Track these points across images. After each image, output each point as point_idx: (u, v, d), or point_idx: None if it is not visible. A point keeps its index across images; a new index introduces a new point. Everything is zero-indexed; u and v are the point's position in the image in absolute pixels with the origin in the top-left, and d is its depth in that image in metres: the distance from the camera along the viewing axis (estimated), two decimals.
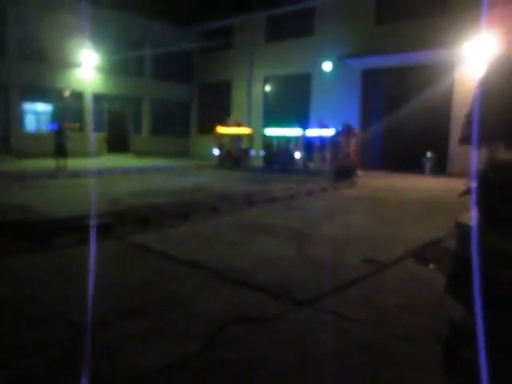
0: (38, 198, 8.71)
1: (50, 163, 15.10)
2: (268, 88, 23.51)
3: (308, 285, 4.12)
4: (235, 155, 19.29)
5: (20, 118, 20.14)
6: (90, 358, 2.60)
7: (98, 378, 2.48)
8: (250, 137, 20.16)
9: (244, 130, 19.97)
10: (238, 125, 19.92)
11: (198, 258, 4.84)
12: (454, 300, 3.43)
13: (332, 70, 20.19)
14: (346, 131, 15.49)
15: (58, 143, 14.91)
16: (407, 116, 17.40)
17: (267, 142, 19.17)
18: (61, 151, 14.79)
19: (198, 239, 5.84)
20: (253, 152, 19.76)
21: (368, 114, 19.25)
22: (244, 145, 20.16)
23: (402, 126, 17.86)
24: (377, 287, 4.12)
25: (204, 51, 26.08)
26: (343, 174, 14.18)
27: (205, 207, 7.84)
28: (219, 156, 19.35)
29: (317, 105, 20.78)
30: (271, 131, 19.37)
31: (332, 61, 20.03)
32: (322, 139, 17.10)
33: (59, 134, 15.13)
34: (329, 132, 16.66)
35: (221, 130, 19.65)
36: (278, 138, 18.78)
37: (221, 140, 19.61)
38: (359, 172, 14.90)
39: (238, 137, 19.93)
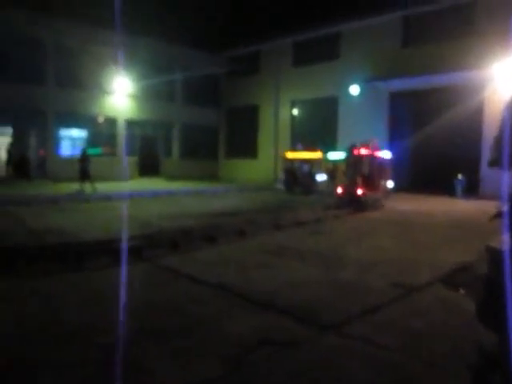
0: (72, 222, 9.00)
1: (82, 187, 15.60)
2: (295, 112, 23.73)
3: (334, 309, 4.09)
4: (302, 181, 17.85)
5: (56, 143, 20.98)
6: (117, 377, 2.66)
7: None
8: (318, 161, 18.11)
9: (314, 155, 18.01)
10: (309, 149, 18.09)
11: (225, 281, 4.89)
12: (485, 326, 3.35)
13: (359, 93, 20.24)
14: (351, 154, 12.98)
15: (82, 168, 15.39)
16: (436, 137, 17.18)
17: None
18: (84, 176, 15.22)
19: (225, 262, 5.90)
20: (321, 177, 17.80)
21: (396, 136, 19.11)
22: (311, 170, 18.21)
23: (431, 147, 17.64)
24: (404, 312, 4.05)
25: (231, 76, 26.68)
26: (348, 204, 11.97)
27: (232, 230, 7.91)
28: (286, 181, 18.27)
29: (344, 128, 20.80)
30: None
31: (359, 84, 20.11)
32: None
33: (83, 159, 15.65)
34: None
35: (290, 154, 18.72)
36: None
37: (289, 165, 18.53)
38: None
39: (307, 162, 18.26)
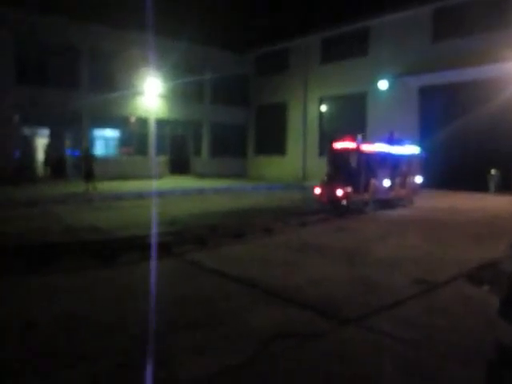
0: (105, 219, 9.37)
1: (116, 185, 16.11)
2: (323, 108, 23.65)
3: (356, 303, 4.18)
4: None
5: (91, 143, 21.71)
6: (147, 365, 2.86)
7: (155, 383, 2.72)
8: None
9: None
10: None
11: (250, 276, 5.04)
12: (507, 323, 3.38)
13: (388, 89, 20.00)
14: (331, 148, 11.20)
15: (86, 168, 15.48)
16: (468, 132, 16.80)
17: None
18: (88, 175, 15.23)
19: (250, 258, 6.06)
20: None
21: (426, 132, 18.78)
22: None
23: (463, 142, 17.25)
24: (426, 307, 4.09)
25: (260, 75, 26.83)
26: (332, 208, 10.47)
27: (258, 227, 8.07)
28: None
29: (373, 123, 20.59)
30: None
31: (388, 79, 19.86)
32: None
33: (86, 158, 15.84)
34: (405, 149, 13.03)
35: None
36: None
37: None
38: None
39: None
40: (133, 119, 22.76)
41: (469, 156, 17.10)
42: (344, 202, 10.35)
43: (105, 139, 22.71)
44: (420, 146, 14.00)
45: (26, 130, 20.65)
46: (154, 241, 6.14)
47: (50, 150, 20.88)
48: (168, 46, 21.64)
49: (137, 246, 6.24)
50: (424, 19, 18.66)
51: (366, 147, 11.00)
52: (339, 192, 10.16)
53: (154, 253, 5.72)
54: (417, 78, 18.58)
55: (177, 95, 23.77)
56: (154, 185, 18.04)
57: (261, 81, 26.77)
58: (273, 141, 26.18)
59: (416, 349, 3.24)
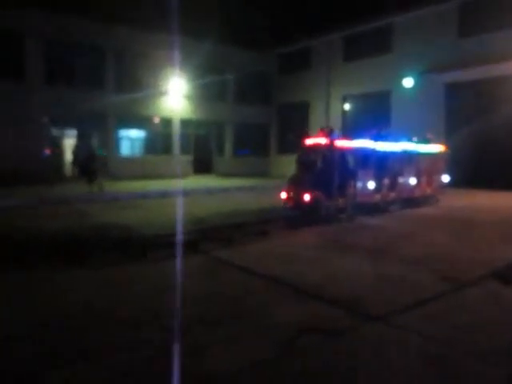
0: (133, 217, 9.57)
1: (141, 185, 16.40)
2: (346, 107, 23.51)
3: (381, 301, 4.19)
4: None
5: (116, 143, 22.17)
6: (177, 358, 2.96)
7: (183, 375, 2.82)
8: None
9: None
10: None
11: (275, 273, 5.11)
12: None
13: (413, 86, 19.73)
14: (300, 146, 10.18)
15: (88, 167, 14.93)
16: (496, 129, 16.43)
17: None
18: (91, 175, 14.74)
19: (275, 256, 6.13)
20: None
21: (453, 129, 18.46)
22: None
23: (492, 140, 16.87)
24: (453, 305, 4.08)
25: (282, 73, 26.85)
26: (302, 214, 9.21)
27: (282, 225, 8.13)
28: None
29: (397, 122, 20.35)
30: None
31: (413, 76, 19.60)
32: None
33: (89, 157, 15.21)
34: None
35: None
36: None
37: None
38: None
39: None
40: (157, 119, 23.12)
41: (497, 154, 16.72)
42: (315, 207, 8.92)
43: (130, 139, 23.13)
44: (446, 143, 13.67)
45: (55, 131, 21.18)
46: (180, 238, 6.28)
47: (77, 150, 21.36)
48: (192, 46, 21.88)
49: (164, 243, 6.39)
50: (450, 14, 18.33)
51: (343, 143, 9.62)
52: (306, 196, 8.77)
53: (181, 250, 5.86)
54: (443, 74, 18.28)
55: (200, 95, 24.01)
56: (179, 184, 18.30)
57: (283, 79, 26.79)
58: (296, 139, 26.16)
59: (444, 347, 3.24)
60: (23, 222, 8.86)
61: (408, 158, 11.30)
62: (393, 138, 11.21)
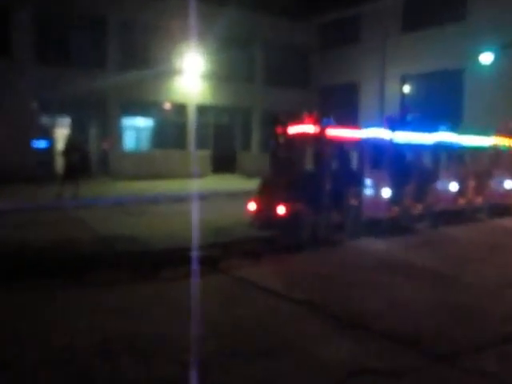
0: (141, 227, 9.82)
1: (149, 186, 16.70)
2: (406, 89, 23.31)
3: (448, 337, 4.23)
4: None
5: (119, 135, 22.56)
6: None
7: None
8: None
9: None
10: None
11: (314, 298, 5.21)
12: None
13: (493, 62, 19.39)
14: (274, 136, 9.18)
15: (67, 163, 14.62)
16: None
17: None
18: (70, 173, 14.35)
19: (314, 276, 6.22)
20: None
21: None
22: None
23: None
24: None
25: (324, 48, 26.80)
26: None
27: (320, 237, 8.19)
28: None
29: (473, 107, 20.04)
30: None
31: (493, 51, 19.27)
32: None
33: (69, 150, 14.89)
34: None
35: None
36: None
37: None
38: None
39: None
40: (169, 105, 23.44)
41: None
42: (294, 225, 7.88)
43: (136, 129, 23.53)
44: None
45: (45, 119, 21.66)
46: (197, 254, 6.44)
47: (70, 142, 21.74)
48: (212, 14, 22.00)
49: (178, 259, 6.58)
50: None
51: (340, 133, 8.82)
52: (280, 209, 7.81)
53: (197, 268, 6.02)
54: None
55: (222, 75, 24.14)
56: (195, 186, 18.53)
57: (325, 56, 26.75)
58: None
59: None
60: (12, 231, 9.17)
61: (449, 153, 10.52)
62: (423, 126, 10.34)
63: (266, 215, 8.03)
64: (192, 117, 23.63)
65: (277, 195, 7.97)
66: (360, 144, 8.92)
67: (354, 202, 8.62)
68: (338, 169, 8.58)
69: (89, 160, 21.33)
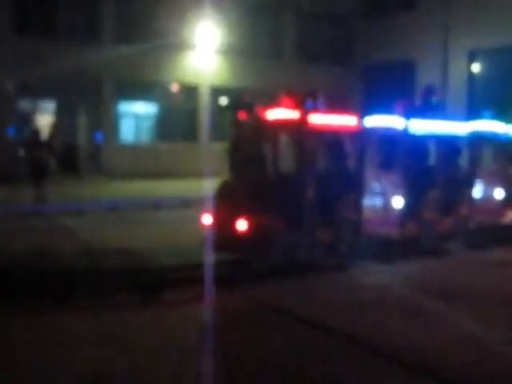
0: (140, 238, 9.85)
1: (151, 187, 16.77)
2: (475, 68, 23.09)
3: None
4: None
5: (115, 123, 22.74)
6: None
7: None
8: None
9: None
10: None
11: (356, 331, 5.18)
12: None
13: None
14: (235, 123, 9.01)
15: (34, 160, 14.56)
16: None
17: None
18: (38, 173, 14.24)
19: (351, 301, 6.19)
20: None
21: None
22: None
23: None
24: None
25: (369, 18, 26.61)
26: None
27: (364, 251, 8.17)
28: None
29: None
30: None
31: None
32: None
33: (33, 144, 14.93)
34: None
35: None
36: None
37: None
38: None
39: None
40: (176, 87, 23.46)
41: None
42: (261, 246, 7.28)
43: (135, 117, 23.64)
44: None
45: (24, 103, 21.82)
46: (210, 271, 6.47)
47: (56, 132, 21.80)
48: None
49: (187, 278, 6.64)
50: None
51: (331, 121, 8.40)
52: (241, 224, 7.21)
53: (211, 288, 6.05)
54: None
55: (242, 50, 24.08)
56: (207, 186, 18.52)
57: (371, 26, 26.55)
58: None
59: None
60: None
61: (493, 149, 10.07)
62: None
63: (222, 232, 7.41)
64: (205, 101, 23.56)
65: (237, 205, 7.43)
66: (361, 136, 8.54)
67: (349, 214, 8.15)
68: (328, 169, 8.10)
69: (76, 156, 21.43)
